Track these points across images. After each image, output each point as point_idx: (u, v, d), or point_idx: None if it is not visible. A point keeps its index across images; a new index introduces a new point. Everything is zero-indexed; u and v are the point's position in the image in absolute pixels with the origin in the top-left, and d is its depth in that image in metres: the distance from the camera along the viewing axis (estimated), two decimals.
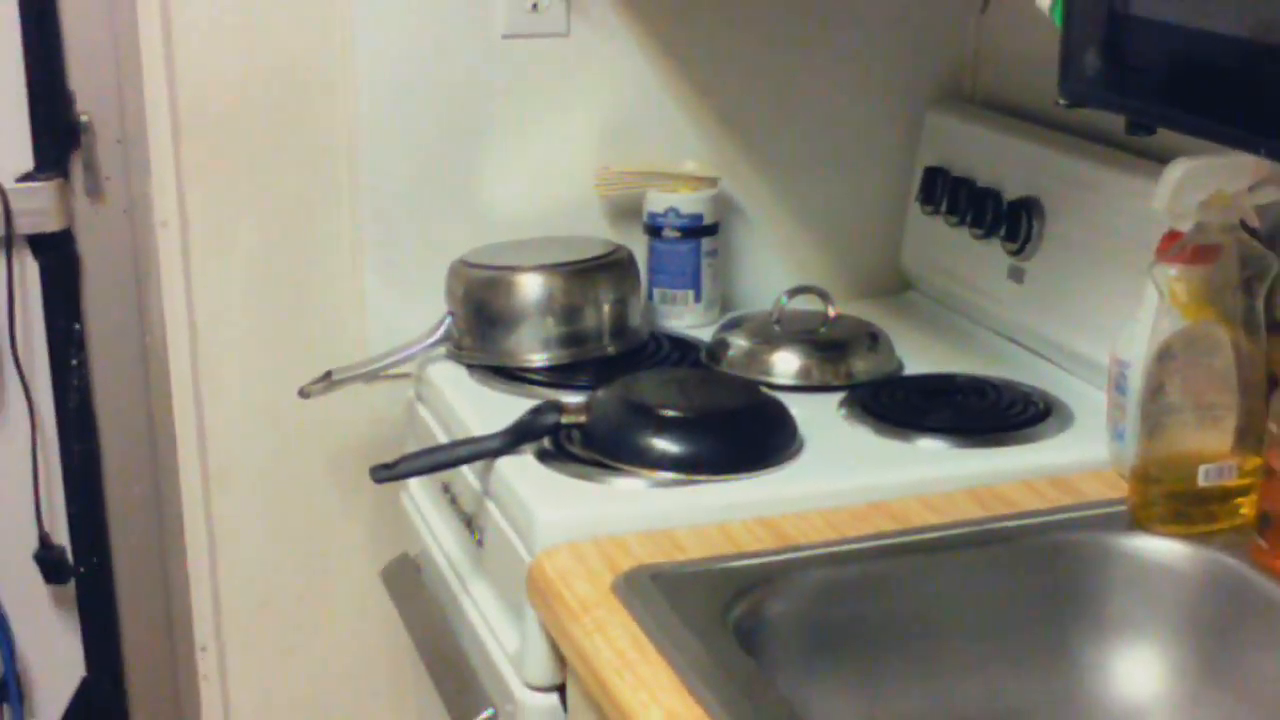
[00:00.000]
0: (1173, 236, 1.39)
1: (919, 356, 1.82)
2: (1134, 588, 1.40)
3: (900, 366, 1.79)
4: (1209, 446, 1.38)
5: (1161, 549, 1.38)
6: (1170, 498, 1.38)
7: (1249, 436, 1.37)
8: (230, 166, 1.92)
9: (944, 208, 1.92)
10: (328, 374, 1.86)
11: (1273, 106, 0.97)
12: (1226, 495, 1.38)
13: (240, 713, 2.10)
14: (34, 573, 2.10)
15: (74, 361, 2.03)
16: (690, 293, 1.94)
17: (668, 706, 1.15)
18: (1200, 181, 1.39)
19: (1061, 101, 1.19)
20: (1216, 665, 1.35)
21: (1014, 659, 1.40)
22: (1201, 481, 1.37)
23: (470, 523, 1.63)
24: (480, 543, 1.60)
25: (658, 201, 1.93)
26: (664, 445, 1.51)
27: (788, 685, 1.22)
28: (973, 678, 1.39)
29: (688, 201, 1.91)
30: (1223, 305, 1.39)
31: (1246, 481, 1.37)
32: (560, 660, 1.41)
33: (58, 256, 2.00)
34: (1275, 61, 0.96)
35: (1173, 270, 1.38)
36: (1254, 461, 1.36)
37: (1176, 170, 1.38)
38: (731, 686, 1.16)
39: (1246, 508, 1.37)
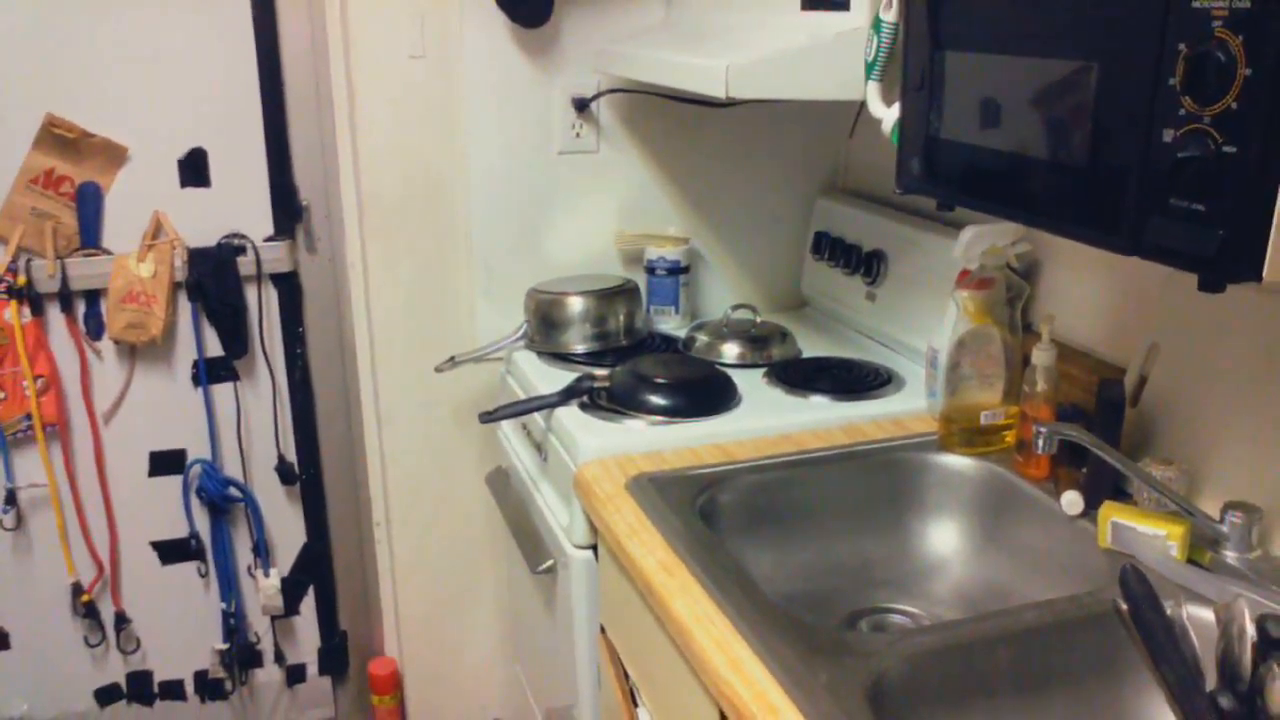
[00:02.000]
0: (965, 273, 1.41)
1: (812, 346, 1.82)
2: (941, 486, 1.41)
3: (800, 352, 1.79)
4: (987, 400, 1.39)
5: (958, 463, 1.40)
6: (963, 432, 1.40)
7: (1011, 394, 1.39)
8: (393, 232, 1.92)
9: (826, 256, 1.92)
10: (452, 358, 1.88)
11: (1024, 193, 0.98)
12: (997, 430, 1.39)
13: (400, 561, 2.12)
14: (274, 478, 2.11)
15: (298, 350, 2.04)
16: (672, 308, 1.95)
17: (659, 557, 1.18)
18: (982, 240, 1.40)
19: (897, 190, 1.18)
20: (990, 532, 1.36)
21: (868, 529, 1.41)
22: (983, 422, 1.38)
23: (539, 447, 1.65)
24: (545, 459, 1.61)
25: (652, 253, 1.93)
26: (657, 399, 1.52)
27: (731, 545, 1.24)
28: (844, 540, 1.40)
29: (671, 253, 1.92)
30: (996, 314, 1.40)
31: (1010, 422, 1.39)
32: (593, 529, 1.43)
33: (288, 287, 2.01)
34: (1025, 166, 0.97)
35: (965, 293, 1.40)
36: (1014, 409, 1.37)
37: (967, 233, 1.40)
38: (697, 545, 1.18)
39: (1009, 437, 1.39)
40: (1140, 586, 0.76)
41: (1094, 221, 0.90)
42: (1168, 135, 0.79)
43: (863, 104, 1.32)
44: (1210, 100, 0.75)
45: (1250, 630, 0.74)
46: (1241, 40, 0.73)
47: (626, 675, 1.36)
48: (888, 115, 1.30)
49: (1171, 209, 0.80)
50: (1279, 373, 1.13)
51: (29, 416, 1.93)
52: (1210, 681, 0.77)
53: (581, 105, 1.87)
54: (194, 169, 1.91)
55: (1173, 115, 0.78)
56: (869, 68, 1.31)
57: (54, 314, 1.91)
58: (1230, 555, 1.11)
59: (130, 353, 1.97)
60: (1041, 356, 1.31)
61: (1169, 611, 0.78)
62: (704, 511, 1.29)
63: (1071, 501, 1.23)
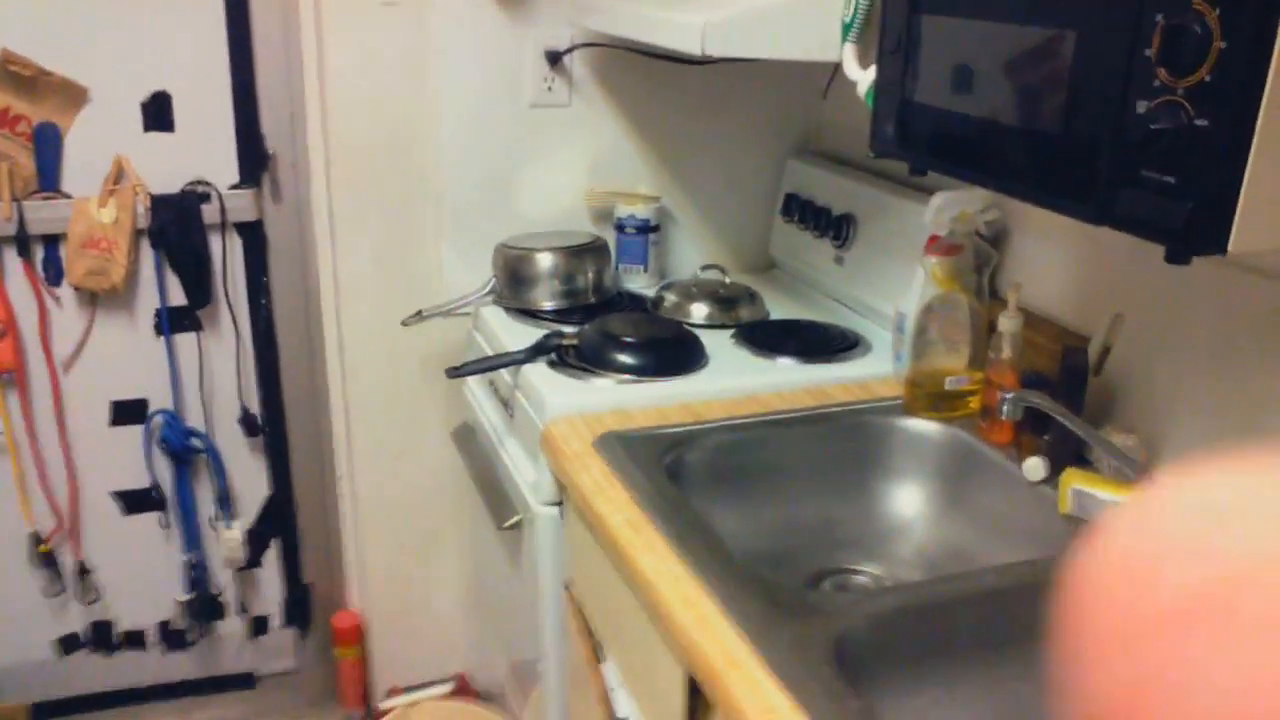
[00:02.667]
0: (934, 239, 1.42)
1: (779, 308, 1.83)
2: (906, 449, 1.42)
3: (768, 314, 1.80)
4: (952, 366, 1.40)
5: (923, 426, 1.41)
6: (928, 396, 1.41)
7: (976, 360, 1.40)
8: (361, 182, 1.91)
9: (796, 218, 1.92)
10: (419, 312, 1.87)
11: (997, 160, 0.99)
12: (962, 395, 1.41)
13: (364, 514, 2.12)
14: (237, 429, 2.10)
15: (263, 300, 2.01)
16: (641, 267, 1.94)
17: (626, 514, 1.19)
18: (952, 206, 1.41)
19: (870, 154, 1.18)
20: (953, 495, 1.38)
21: (834, 490, 1.42)
22: (948, 387, 1.40)
23: (506, 403, 1.65)
24: (512, 415, 1.62)
25: (623, 210, 1.92)
26: (624, 358, 1.52)
27: (698, 504, 1.25)
28: (809, 501, 1.41)
29: (641, 211, 1.91)
30: (963, 281, 1.42)
31: (975, 387, 1.40)
32: (559, 486, 1.44)
33: (254, 236, 1.97)
34: (999, 132, 0.98)
35: (934, 259, 1.41)
36: (979, 375, 1.39)
37: (938, 199, 1.41)
38: (664, 504, 1.20)
39: (974, 403, 1.40)
40: None
41: (1066, 190, 0.90)
42: (1141, 106, 0.80)
43: (837, 65, 1.32)
44: (1185, 72, 0.76)
45: None
46: (1218, 13, 0.73)
47: (591, 631, 1.38)
48: (863, 77, 1.29)
49: (1142, 180, 0.81)
50: (1240, 345, 1.15)
51: None
52: None
53: (554, 58, 1.85)
54: (157, 113, 1.87)
55: (1147, 86, 0.79)
56: (846, 29, 1.30)
57: (10, 258, 1.88)
58: None
59: (91, 300, 1.94)
60: (1008, 324, 1.32)
61: None
62: (671, 470, 1.29)
63: (1033, 467, 1.25)
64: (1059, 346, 1.36)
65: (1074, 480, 1.18)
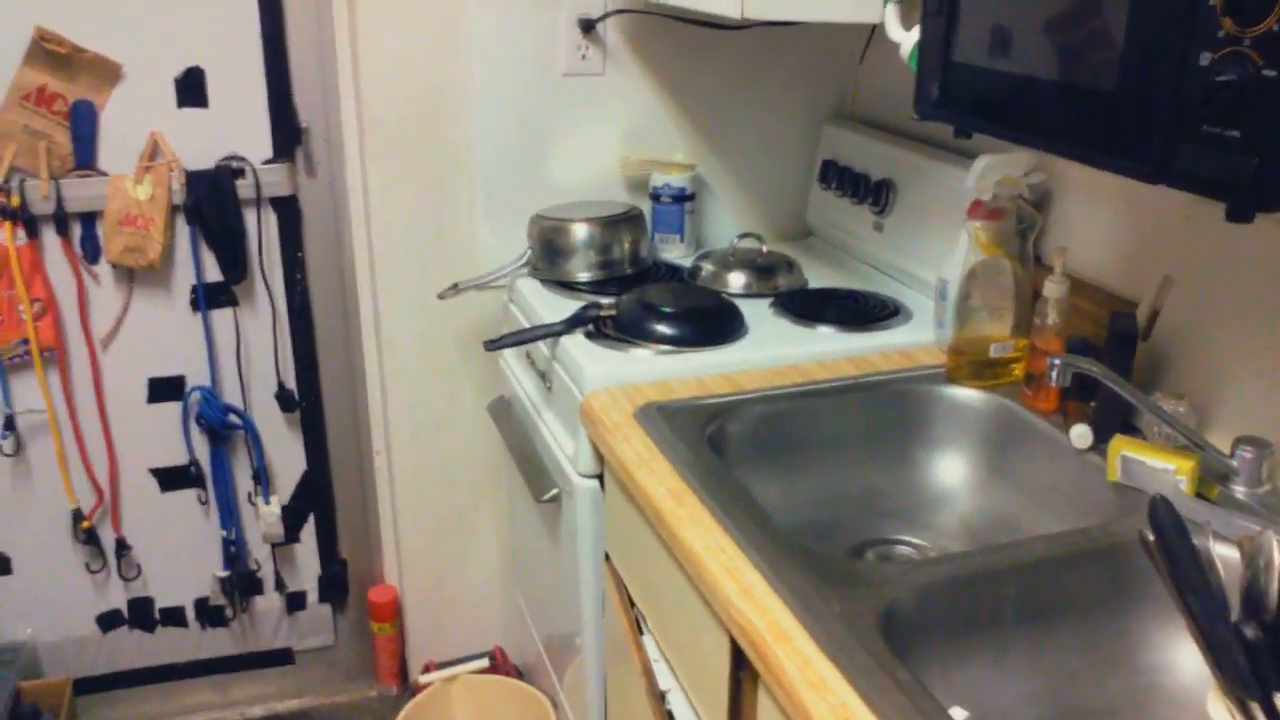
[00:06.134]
0: (977, 204, 1.40)
1: (818, 277, 1.81)
2: (949, 418, 1.40)
3: (806, 283, 1.78)
4: (996, 333, 1.38)
5: (967, 395, 1.39)
6: (972, 364, 1.39)
7: (1021, 327, 1.38)
8: (395, 154, 1.90)
9: (834, 185, 1.90)
10: (455, 285, 1.86)
11: (1047, 120, 0.97)
12: (1006, 363, 1.39)
13: (400, 489, 2.13)
14: (274, 405, 2.10)
15: (298, 275, 2.02)
16: (678, 236, 1.93)
17: (668, 485, 1.18)
18: (995, 169, 1.39)
19: (915, 116, 1.15)
20: (997, 464, 1.37)
21: (875, 460, 1.41)
22: (992, 354, 1.38)
23: (544, 376, 1.64)
24: (550, 388, 1.61)
25: (658, 179, 1.91)
26: (663, 329, 1.51)
27: (740, 474, 1.25)
28: (850, 471, 1.40)
29: (677, 179, 1.90)
30: (1007, 246, 1.40)
31: (1018, 355, 1.38)
32: (599, 459, 1.43)
33: (288, 211, 1.97)
34: (1042, 90, 0.96)
35: (977, 224, 1.39)
36: (1023, 342, 1.37)
37: (981, 162, 1.39)
38: (706, 474, 1.19)
39: (1018, 370, 1.39)
40: (1169, 516, 0.76)
41: (1120, 149, 0.88)
42: (1205, 58, 0.77)
43: (874, 28, 1.30)
44: (1252, 21, 0.73)
45: (1278, 561, 0.75)
46: None
47: (632, 604, 1.37)
48: (906, 39, 1.27)
49: (1204, 135, 0.79)
50: None
51: (26, 341, 1.91)
52: (1234, 613, 0.78)
53: (588, 26, 1.83)
54: (191, 89, 1.87)
55: (1211, 37, 0.76)
56: None
57: (49, 236, 1.89)
58: (1240, 490, 1.11)
59: (128, 277, 1.95)
60: (1054, 289, 1.30)
61: (1195, 543, 0.78)
62: (712, 441, 1.28)
63: (1081, 435, 1.23)
64: (1104, 312, 1.34)
65: (1123, 447, 1.16)
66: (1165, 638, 1.05)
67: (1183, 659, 1.04)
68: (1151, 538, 0.77)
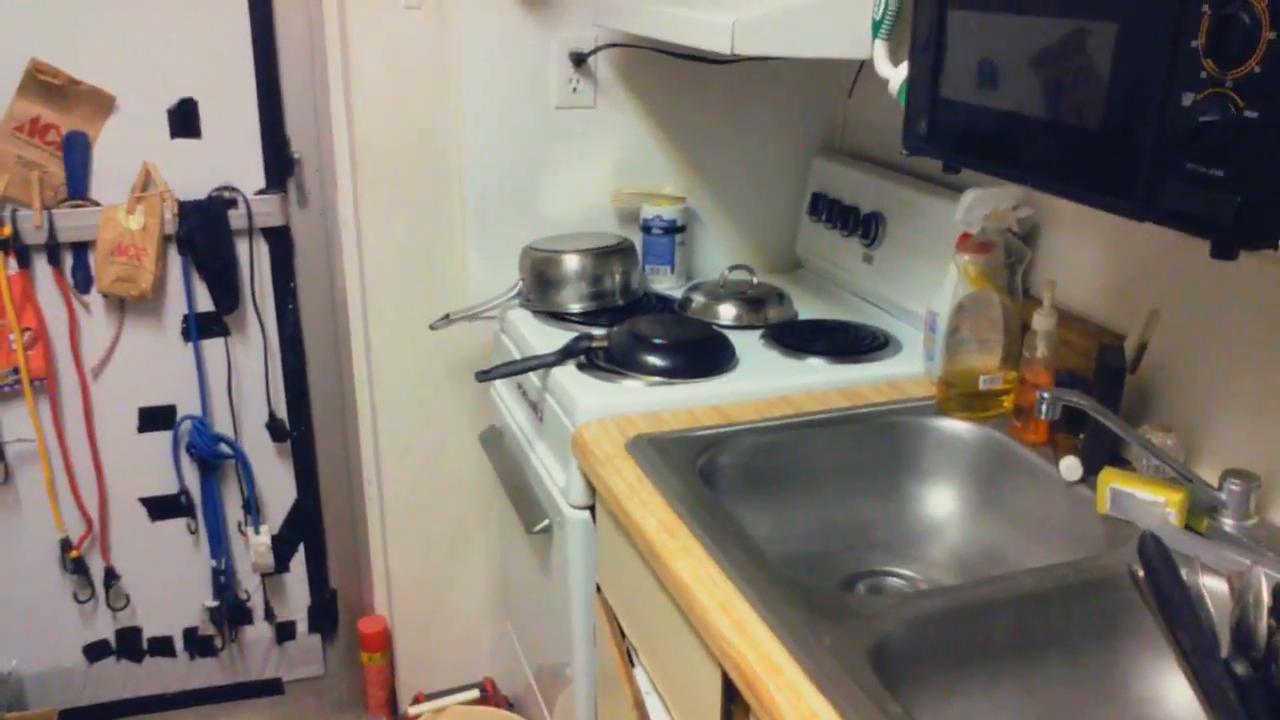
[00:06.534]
0: (966, 236, 1.40)
1: (808, 308, 1.81)
2: (939, 450, 1.40)
3: (796, 314, 1.78)
4: (985, 365, 1.39)
5: (956, 427, 1.40)
6: (961, 396, 1.39)
7: (1009, 360, 1.38)
8: (387, 187, 1.91)
9: (824, 217, 1.90)
10: (446, 315, 1.87)
11: (1035, 157, 0.97)
12: (995, 395, 1.39)
13: (391, 519, 2.12)
14: (265, 435, 2.10)
15: (290, 305, 2.02)
16: (668, 268, 1.93)
17: (660, 517, 1.18)
18: (984, 203, 1.40)
19: (904, 152, 1.16)
20: (987, 496, 1.37)
21: (865, 492, 1.41)
22: (981, 386, 1.38)
23: (535, 406, 1.64)
24: (541, 419, 1.61)
25: (649, 211, 1.91)
26: (655, 360, 1.51)
27: (730, 505, 1.25)
28: (840, 503, 1.40)
29: (667, 212, 1.90)
30: (996, 279, 1.40)
31: (1008, 387, 1.38)
32: (591, 490, 1.43)
33: (280, 241, 1.98)
34: (1036, 128, 0.96)
35: (966, 257, 1.39)
36: (1012, 375, 1.37)
37: (969, 196, 1.40)
38: (697, 505, 1.19)
39: (1007, 402, 1.39)
40: (1159, 552, 0.77)
41: (1107, 186, 0.89)
42: (1187, 99, 0.78)
43: (863, 63, 1.31)
44: (1233, 63, 0.74)
45: (1266, 598, 0.75)
46: (1267, 2, 0.72)
47: (623, 635, 1.37)
48: (895, 75, 1.28)
49: (1188, 173, 0.79)
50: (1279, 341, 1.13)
51: (16, 370, 1.91)
52: (1224, 649, 0.78)
53: (579, 60, 1.85)
54: (184, 119, 1.88)
55: (1193, 78, 0.77)
56: (876, 26, 1.29)
57: (41, 266, 1.89)
58: (1228, 523, 1.11)
59: (119, 306, 1.95)
60: (1043, 322, 1.31)
61: (1185, 578, 0.78)
62: (703, 473, 1.28)
63: (1070, 467, 1.24)
64: (1092, 344, 1.34)
65: (1112, 480, 1.17)
66: (1155, 670, 1.05)
67: (1173, 692, 1.04)
68: (1141, 573, 0.77)
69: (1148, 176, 0.83)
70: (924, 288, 1.57)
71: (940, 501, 1.40)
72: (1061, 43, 0.93)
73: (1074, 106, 0.91)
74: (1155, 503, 1.13)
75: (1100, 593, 1.06)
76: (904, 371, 1.55)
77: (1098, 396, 1.20)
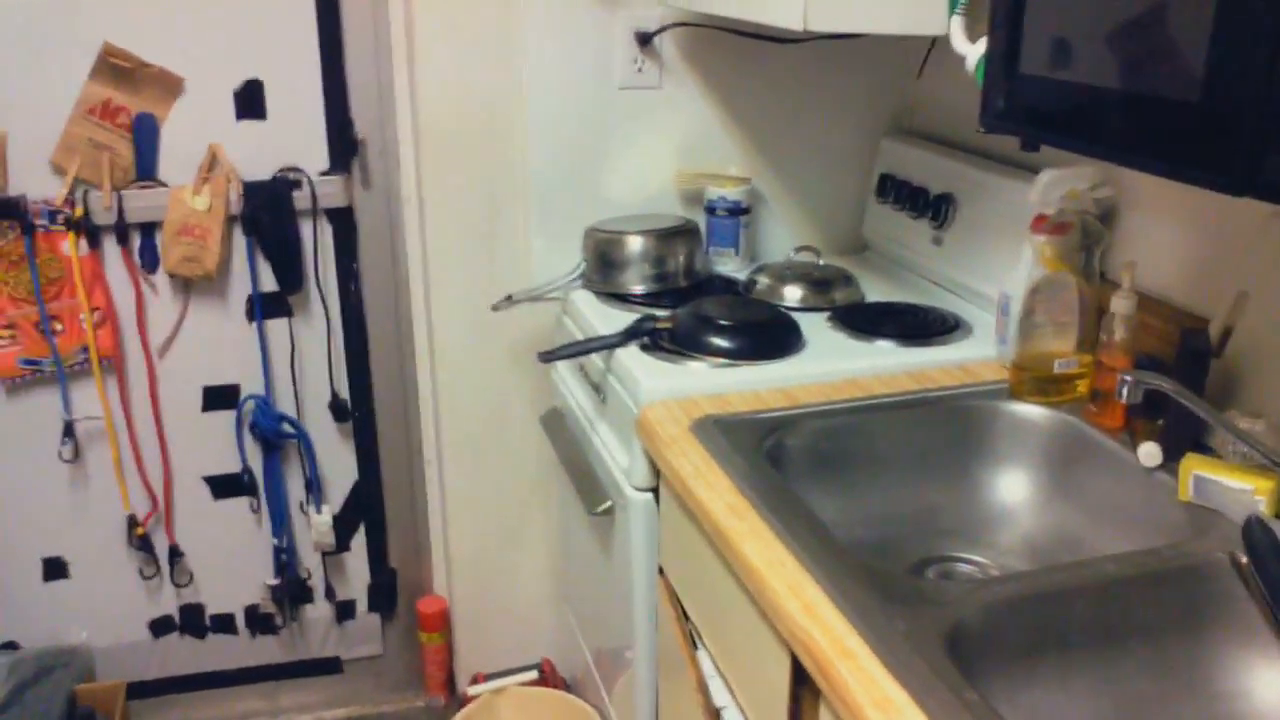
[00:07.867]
0: (1042, 218, 1.38)
1: (875, 291, 1.80)
2: (1011, 434, 1.38)
3: (864, 297, 1.76)
4: (1060, 348, 1.36)
5: (1029, 411, 1.37)
6: (1035, 380, 1.37)
7: (1085, 343, 1.36)
8: (450, 166, 1.91)
9: (892, 199, 1.88)
10: (509, 296, 1.86)
11: (1119, 131, 0.94)
12: (1070, 379, 1.37)
13: (451, 500, 2.14)
14: (327, 415, 2.11)
15: (352, 286, 2.03)
16: (733, 249, 1.92)
17: (727, 499, 1.17)
18: (1060, 183, 1.37)
19: (980, 129, 1.14)
20: (1060, 482, 1.34)
21: (934, 476, 1.39)
22: (1055, 370, 1.36)
23: (598, 388, 1.64)
24: (604, 400, 1.60)
25: (713, 192, 1.90)
26: (720, 342, 1.50)
27: (797, 488, 1.24)
28: (908, 487, 1.38)
29: (732, 193, 1.89)
30: (1072, 261, 1.38)
31: (1083, 370, 1.36)
32: (654, 472, 1.42)
33: (344, 222, 1.99)
34: (1113, 102, 0.93)
35: (1041, 238, 1.37)
36: (1088, 358, 1.35)
37: (1045, 176, 1.37)
38: (765, 489, 1.17)
39: (1082, 387, 1.36)
40: (1265, 538, 0.74)
41: (1200, 160, 0.85)
42: None
43: (933, 41, 1.28)
44: None
45: None
46: None
47: (686, 618, 1.36)
48: (972, 51, 1.26)
49: None
50: None
51: (86, 349, 1.94)
52: None
53: (645, 39, 1.83)
54: (250, 101, 1.89)
55: None
56: (953, 1, 1.27)
57: (110, 246, 1.92)
58: None
59: (185, 287, 1.97)
60: (1122, 304, 1.27)
61: None
62: (770, 455, 1.27)
63: (1149, 453, 1.21)
64: (1172, 328, 1.31)
65: (1196, 466, 1.13)
66: (1242, 663, 1.01)
67: (1260, 686, 1.00)
68: (1245, 559, 0.74)
69: (1249, 148, 0.80)
70: (995, 270, 1.55)
71: (1012, 487, 1.38)
72: (1153, 10, 0.89)
73: (1165, 78, 0.88)
74: (1244, 490, 1.09)
75: (1185, 581, 1.03)
76: (974, 355, 1.53)
77: (1180, 381, 1.16)
